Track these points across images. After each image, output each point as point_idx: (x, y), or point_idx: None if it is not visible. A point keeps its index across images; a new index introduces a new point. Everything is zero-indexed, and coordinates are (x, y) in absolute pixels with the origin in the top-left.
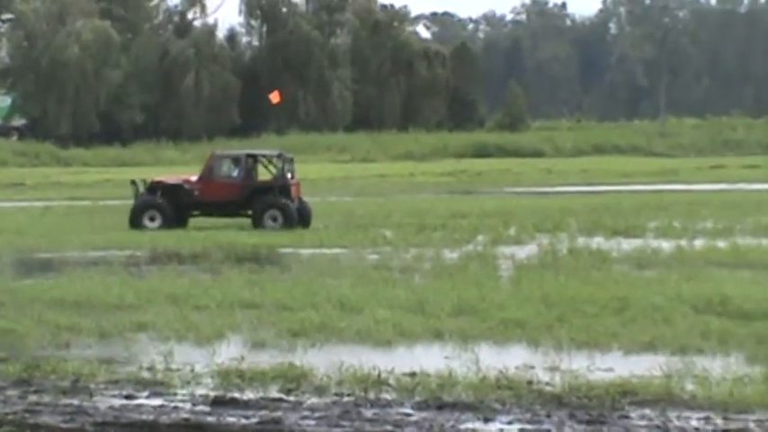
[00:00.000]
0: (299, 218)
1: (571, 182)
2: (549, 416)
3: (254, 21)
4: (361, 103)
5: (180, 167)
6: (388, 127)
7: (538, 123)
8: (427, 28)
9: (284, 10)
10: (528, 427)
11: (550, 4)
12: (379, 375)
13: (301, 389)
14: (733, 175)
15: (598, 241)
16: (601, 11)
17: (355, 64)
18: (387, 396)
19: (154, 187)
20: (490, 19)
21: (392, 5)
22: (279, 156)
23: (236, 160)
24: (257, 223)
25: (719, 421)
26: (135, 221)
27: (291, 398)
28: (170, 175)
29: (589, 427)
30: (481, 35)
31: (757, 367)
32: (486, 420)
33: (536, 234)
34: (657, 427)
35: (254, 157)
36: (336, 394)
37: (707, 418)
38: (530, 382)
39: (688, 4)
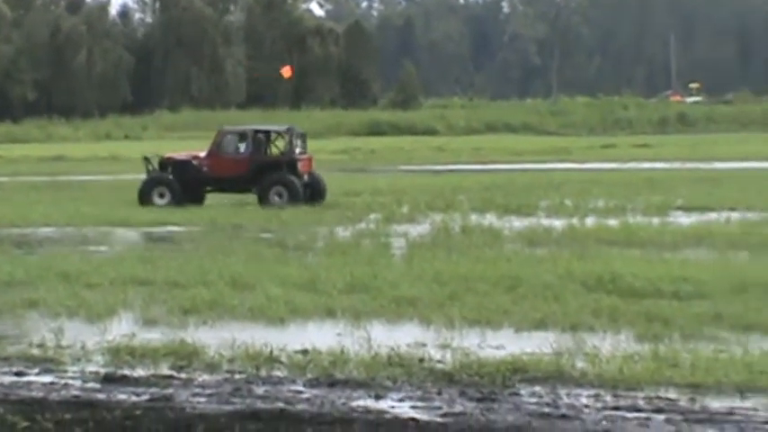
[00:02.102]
0: (312, 193)
1: (463, 160)
2: (439, 393)
3: None
4: (254, 81)
5: (72, 144)
6: (282, 104)
7: (431, 101)
8: (321, 6)
9: None
10: (419, 404)
11: None
12: (270, 353)
13: (192, 366)
14: (624, 155)
15: (490, 219)
16: None
17: (249, 41)
18: (278, 373)
19: (164, 164)
20: None
21: None
22: (287, 131)
23: (243, 136)
24: (263, 199)
25: (609, 398)
26: (144, 198)
27: (182, 375)
28: (180, 152)
29: (479, 405)
30: (374, 13)
31: (647, 345)
32: (378, 398)
33: (428, 212)
34: (547, 404)
35: (262, 133)
36: (228, 371)
37: (597, 396)
38: (421, 360)
39: None
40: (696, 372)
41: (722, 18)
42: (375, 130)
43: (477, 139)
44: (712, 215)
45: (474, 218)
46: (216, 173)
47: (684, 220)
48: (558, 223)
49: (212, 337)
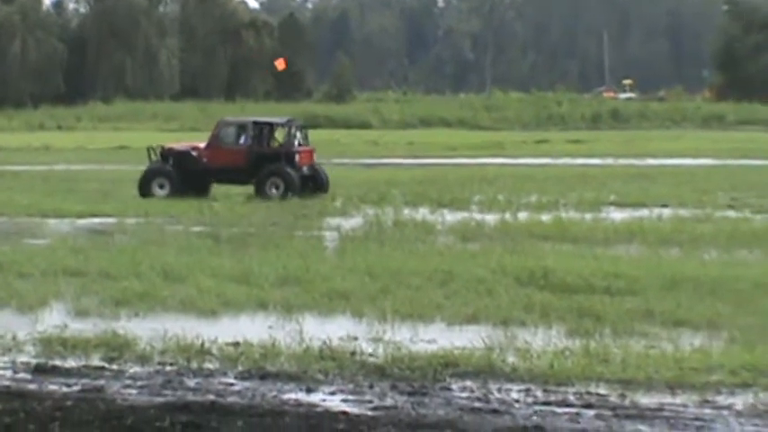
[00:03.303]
0: (315, 185)
1: (397, 154)
2: (371, 387)
3: None
4: (188, 72)
5: (4, 134)
6: (216, 96)
7: (365, 95)
8: None
9: None
10: (350, 397)
11: None
12: (202, 345)
13: (124, 357)
14: (557, 150)
15: (423, 213)
16: None
17: (183, 33)
18: (210, 365)
19: (165, 154)
20: None
21: None
22: (286, 123)
23: (242, 127)
24: (260, 191)
25: (540, 393)
26: (144, 189)
27: (114, 366)
28: (180, 142)
29: (411, 399)
30: (309, 6)
31: (578, 340)
32: (309, 391)
33: (362, 205)
34: (478, 398)
35: (261, 125)
36: (159, 363)
37: (527, 390)
38: (353, 353)
39: None
40: (627, 368)
41: (655, 15)
42: (309, 123)
43: (410, 134)
44: (644, 211)
45: (407, 212)
46: (215, 164)
47: (617, 215)
48: (490, 218)
49: (144, 329)
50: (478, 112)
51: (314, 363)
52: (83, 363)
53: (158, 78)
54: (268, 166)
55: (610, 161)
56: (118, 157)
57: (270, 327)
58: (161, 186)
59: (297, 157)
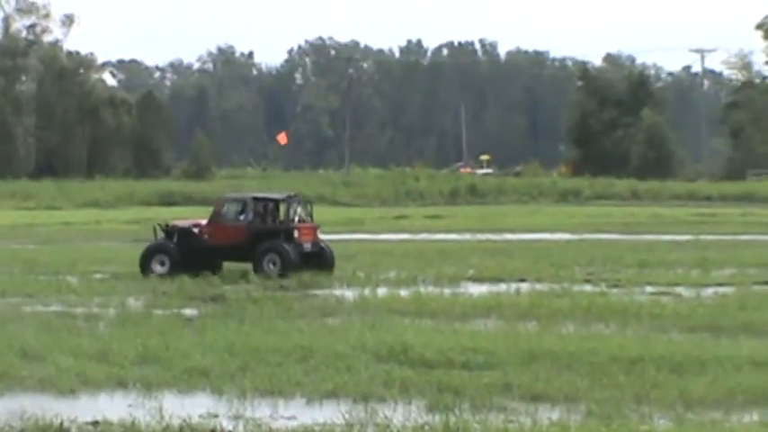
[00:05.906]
0: (319, 262)
1: None
2: None
3: None
4: (45, 150)
5: None
6: (74, 174)
7: (224, 172)
8: (113, 75)
9: None
10: None
11: (237, 54)
12: (61, 424)
13: None
14: (416, 225)
15: (283, 290)
16: (286, 61)
17: (40, 110)
18: None
19: (170, 231)
20: (177, 67)
21: (78, 52)
22: (286, 198)
23: (242, 203)
24: (257, 268)
25: None
26: (144, 266)
27: None
28: (183, 219)
29: None
30: (168, 83)
31: (437, 415)
32: None
33: (221, 283)
34: None
35: (261, 201)
36: None
37: None
38: (213, 431)
39: (372, 55)
40: None
41: (511, 91)
42: (168, 200)
43: None
44: (503, 286)
45: (266, 289)
46: (216, 241)
47: (475, 290)
48: (350, 294)
49: (1, 409)
50: (338, 188)
51: None
52: None
53: (15, 156)
54: (266, 243)
55: (468, 236)
56: None
57: (130, 405)
58: (161, 263)
59: (296, 233)
